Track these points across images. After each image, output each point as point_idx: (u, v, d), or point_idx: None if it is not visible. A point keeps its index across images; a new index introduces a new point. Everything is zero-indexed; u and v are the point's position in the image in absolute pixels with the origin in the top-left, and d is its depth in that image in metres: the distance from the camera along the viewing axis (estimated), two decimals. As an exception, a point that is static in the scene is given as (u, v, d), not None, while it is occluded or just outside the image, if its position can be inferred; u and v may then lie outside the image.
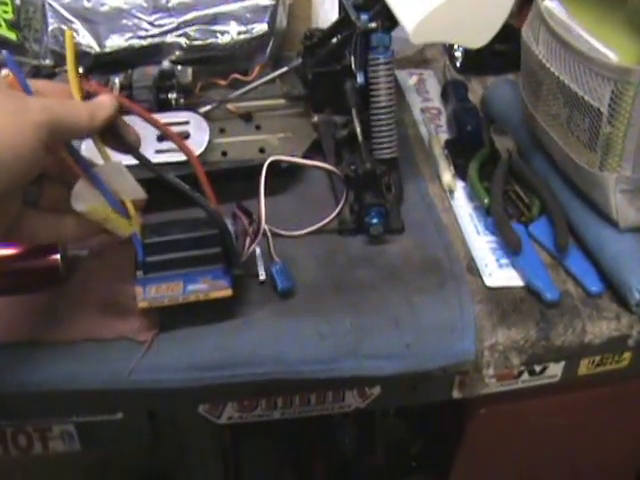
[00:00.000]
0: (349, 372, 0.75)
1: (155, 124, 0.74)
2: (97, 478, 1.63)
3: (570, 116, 0.83)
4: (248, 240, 0.78)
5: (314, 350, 0.75)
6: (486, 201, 0.89)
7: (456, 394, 0.85)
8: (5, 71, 0.76)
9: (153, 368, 0.73)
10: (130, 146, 0.68)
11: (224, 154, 0.90)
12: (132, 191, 0.69)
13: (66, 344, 0.74)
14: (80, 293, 0.78)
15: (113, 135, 0.66)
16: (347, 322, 0.76)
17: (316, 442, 1.33)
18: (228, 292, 0.73)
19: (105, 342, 0.74)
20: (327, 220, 0.86)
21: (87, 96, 0.65)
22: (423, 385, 0.84)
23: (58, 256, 0.76)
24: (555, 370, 0.86)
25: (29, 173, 0.59)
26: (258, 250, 0.82)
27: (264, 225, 0.79)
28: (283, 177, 0.92)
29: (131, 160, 0.69)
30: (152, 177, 0.71)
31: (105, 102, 0.64)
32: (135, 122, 0.71)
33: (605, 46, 0.80)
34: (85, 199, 0.65)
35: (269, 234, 0.83)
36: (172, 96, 0.94)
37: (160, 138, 0.86)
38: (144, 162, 0.70)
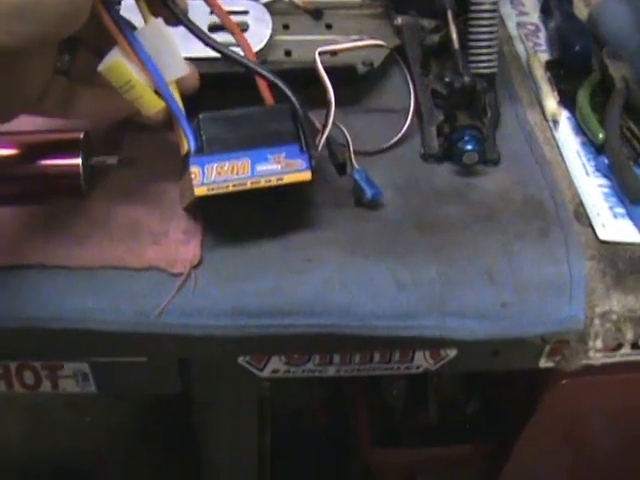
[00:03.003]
0: (432, 332, 0.61)
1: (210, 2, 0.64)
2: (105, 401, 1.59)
3: None
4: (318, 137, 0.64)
5: (390, 302, 0.61)
6: (601, 136, 0.74)
7: (544, 363, 0.73)
8: None
9: (188, 309, 0.59)
10: (179, 11, 0.59)
11: (288, 54, 0.76)
12: (176, 66, 0.59)
13: (83, 271, 0.61)
14: (105, 210, 0.65)
15: None
16: (432, 270, 0.62)
17: (359, 391, 1.21)
18: (307, 175, 0.59)
19: (131, 272, 0.61)
20: (402, 132, 0.73)
21: None
22: (508, 351, 0.71)
23: (79, 161, 0.62)
24: None
25: (73, 19, 0.51)
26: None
27: (333, 110, 0.64)
28: (358, 86, 0.77)
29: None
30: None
31: None
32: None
33: None
34: None
35: (348, 137, 0.68)
36: (230, -20, 0.78)
37: (212, 28, 0.72)
38: (193, 30, 0.60)
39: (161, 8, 0.59)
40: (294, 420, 1.32)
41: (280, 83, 0.61)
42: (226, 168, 0.57)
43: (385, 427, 1.20)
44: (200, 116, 0.59)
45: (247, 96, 0.62)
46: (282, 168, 0.58)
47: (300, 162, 0.59)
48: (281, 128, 0.60)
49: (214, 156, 0.58)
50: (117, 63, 0.57)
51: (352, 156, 0.68)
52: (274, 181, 0.58)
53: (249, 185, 0.58)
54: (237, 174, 0.57)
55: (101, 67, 0.57)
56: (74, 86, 0.60)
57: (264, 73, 0.62)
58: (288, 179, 0.59)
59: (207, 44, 0.61)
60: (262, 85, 0.63)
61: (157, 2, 0.58)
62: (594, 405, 0.87)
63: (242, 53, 0.64)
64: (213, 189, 0.57)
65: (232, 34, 0.66)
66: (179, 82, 0.60)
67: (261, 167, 0.58)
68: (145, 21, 0.59)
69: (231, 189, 0.58)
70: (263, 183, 0.58)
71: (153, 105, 0.59)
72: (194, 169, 0.57)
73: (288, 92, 0.60)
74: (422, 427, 1.20)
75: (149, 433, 1.61)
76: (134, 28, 0.58)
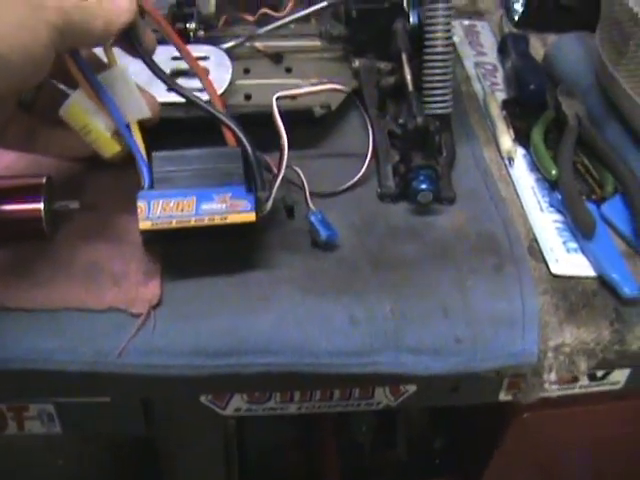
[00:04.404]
0: (386, 368, 0.62)
1: (175, 41, 0.67)
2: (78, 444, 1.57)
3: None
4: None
5: (345, 339, 0.62)
6: (554, 173, 0.76)
7: (503, 397, 0.75)
8: None
9: (148, 350, 0.60)
10: (145, 52, 0.63)
11: (248, 97, 0.77)
12: (137, 108, 0.62)
13: (44, 313, 0.61)
14: (67, 253, 0.65)
15: (127, 37, 0.61)
16: (386, 307, 0.63)
17: (328, 428, 1.21)
18: (251, 216, 0.60)
19: (91, 314, 0.61)
20: (360, 174, 0.74)
21: None
22: (467, 386, 0.72)
23: (41, 205, 0.63)
24: (619, 376, 0.76)
25: (37, 76, 0.54)
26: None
27: (286, 155, 0.66)
28: (315, 129, 0.78)
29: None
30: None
31: (123, 6, 0.58)
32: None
33: None
34: None
35: (303, 179, 0.70)
36: (190, 26, 0.80)
37: (174, 74, 0.75)
38: (155, 70, 0.63)
39: (127, 44, 0.62)
40: (264, 458, 1.31)
41: (233, 126, 0.63)
42: (171, 205, 0.59)
43: (354, 464, 1.19)
44: (153, 154, 0.61)
45: (211, 140, 0.64)
46: (227, 208, 0.59)
47: (245, 203, 0.60)
48: (231, 169, 0.62)
49: (161, 192, 0.59)
50: (74, 109, 0.60)
51: (308, 198, 0.69)
52: (218, 220, 0.59)
53: (193, 222, 0.59)
54: (182, 211, 0.59)
55: (61, 112, 0.60)
56: (36, 122, 0.63)
57: (219, 116, 0.64)
58: (232, 219, 0.59)
59: (168, 85, 0.64)
60: (226, 129, 0.65)
61: (122, 40, 0.61)
62: (556, 438, 0.87)
63: (206, 98, 0.67)
64: (157, 224, 0.59)
65: (199, 79, 0.68)
66: (139, 124, 0.63)
67: (206, 206, 0.59)
68: (109, 65, 0.61)
69: (175, 225, 0.59)
70: (207, 222, 0.59)
71: (109, 149, 0.63)
72: (140, 204, 0.59)
73: (240, 135, 0.62)
74: (391, 463, 1.19)
75: (119, 476, 1.59)
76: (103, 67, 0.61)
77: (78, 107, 0.60)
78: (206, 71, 0.75)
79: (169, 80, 0.65)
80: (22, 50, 0.50)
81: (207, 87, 0.68)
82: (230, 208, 0.59)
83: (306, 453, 1.32)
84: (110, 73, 0.62)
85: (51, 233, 0.65)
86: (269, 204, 0.62)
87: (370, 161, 0.74)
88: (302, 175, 0.69)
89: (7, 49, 0.49)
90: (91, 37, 0.56)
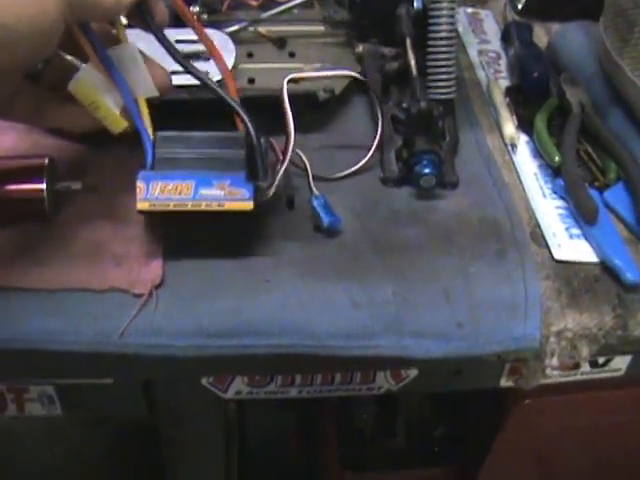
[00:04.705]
0: (387, 351, 0.62)
1: (189, 19, 0.67)
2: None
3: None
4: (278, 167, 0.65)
5: (346, 321, 0.62)
6: (557, 159, 0.76)
7: (504, 382, 0.74)
8: None
9: (149, 330, 0.60)
10: (156, 27, 0.62)
11: (251, 81, 0.77)
12: (145, 85, 0.62)
13: (45, 293, 0.61)
14: (68, 233, 0.65)
15: (139, 11, 0.60)
16: (389, 290, 0.63)
17: (330, 415, 1.21)
18: (248, 205, 0.59)
19: (93, 294, 0.61)
20: (365, 160, 0.74)
21: None
22: (468, 371, 0.72)
23: (44, 186, 0.63)
24: (620, 363, 0.75)
25: (45, 48, 0.54)
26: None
27: (292, 143, 0.65)
28: (319, 113, 0.78)
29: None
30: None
31: None
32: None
33: None
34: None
35: (307, 163, 0.70)
36: (194, 10, 0.80)
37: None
38: (166, 46, 0.63)
39: (138, 19, 0.61)
40: (264, 445, 1.31)
41: (240, 111, 0.62)
42: (170, 187, 0.59)
43: (354, 452, 1.18)
44: (157, 134, 0.61)
45: (219, 123, 0.64)
46: (225, 195, 0.59)
47: (243, 191, 0.59)
48: (233, 156, 0.61)
49: (161, 174, 0.59)
50: (83, 84, 0.60)
51: (311, 182, 0.69)
52: (215, 206, 0.59)
53: (190, 207, 0.59)
54: (179, 194, 0.58)
55: (70, 86, 0.60)
56: (44, 95, 0.63)
57: (227, 99, 0.63)
58: (229, 206, 0.59)
59: (178, 61, 0.64)
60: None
61: (133, 14, 0.60)
62: (557, 425, 0.87)
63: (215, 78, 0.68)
64: (155, 205, 0.59)
65: (214, 59, 0.69)
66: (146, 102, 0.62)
67: (204, 191, 0.59)
68: (119, 41, 0.61)
69: (172, 208, 0.59)
70: (204, 207, 0.59)
71: (118, 125, 0.62)
72: (139, 184, 0.59)
73: (248, 122, 0.62)
74: (391, 451, 1.18)
75: (120, 459, 1.60)
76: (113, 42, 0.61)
77: (87, 82, 0.60)
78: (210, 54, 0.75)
79: (179, 56, 0.64)
80: (29, 21, 0.50)
81: (222, 68, 0.69)
82: (228, 196, 0.59)
83: (306, 441, 1.32)
84: (120, 49, 0.61)
85: (53, 214, 0.65)
86: (271, 191, 0.62)
87: (376, 146, 0.74)
88: (305, 159, 0.69)
89: (13, 19, 0.48)
90: (101, 10, 0.55)
